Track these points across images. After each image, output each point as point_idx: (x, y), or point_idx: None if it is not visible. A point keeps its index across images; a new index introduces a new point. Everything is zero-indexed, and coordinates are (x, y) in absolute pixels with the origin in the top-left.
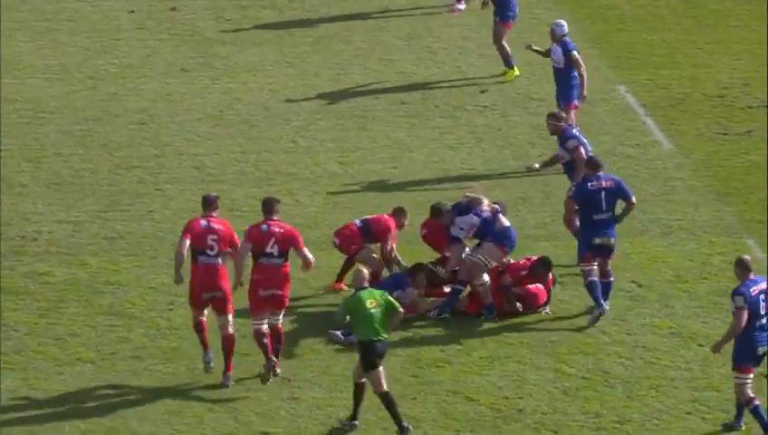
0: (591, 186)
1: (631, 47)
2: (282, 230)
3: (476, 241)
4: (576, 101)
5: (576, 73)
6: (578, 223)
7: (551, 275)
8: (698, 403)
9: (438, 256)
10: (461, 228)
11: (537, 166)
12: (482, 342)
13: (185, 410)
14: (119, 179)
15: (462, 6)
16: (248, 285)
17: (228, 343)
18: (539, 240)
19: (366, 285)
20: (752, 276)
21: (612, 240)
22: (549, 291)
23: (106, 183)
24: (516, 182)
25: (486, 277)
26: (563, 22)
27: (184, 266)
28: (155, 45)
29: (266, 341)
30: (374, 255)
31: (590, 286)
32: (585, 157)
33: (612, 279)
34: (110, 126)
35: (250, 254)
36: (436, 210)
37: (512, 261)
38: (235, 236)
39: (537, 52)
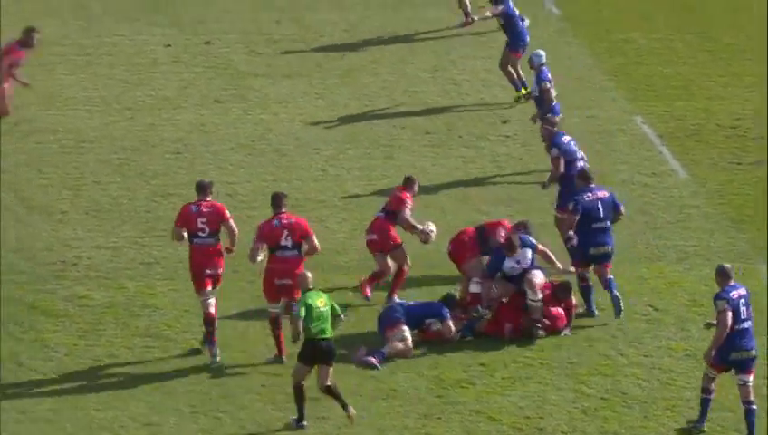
0: (588, 197)
1: (648, 80)
2: (292, 221)
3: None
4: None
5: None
6: (573, 240)
7: (572, 299)
8: (713, 423)
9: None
10: (517, 262)
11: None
12: (504, 363)
13: (218, 429)
14: (155, 206)
15: (479, 17)
16: (263, 274)
17: (210, 320)
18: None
19: (311, 287)
20: (731, 283)
21: (609, 248)
22: (569, 315)
23: (143, 210)
24: (537, 208)
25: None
26: (542, 52)
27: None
28: (190, 78)
29: (279, 331)
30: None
31: (585, 290)
32: (561, 169)
33: (614, 282)
34: (147, 155)
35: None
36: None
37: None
38: (225, 214)
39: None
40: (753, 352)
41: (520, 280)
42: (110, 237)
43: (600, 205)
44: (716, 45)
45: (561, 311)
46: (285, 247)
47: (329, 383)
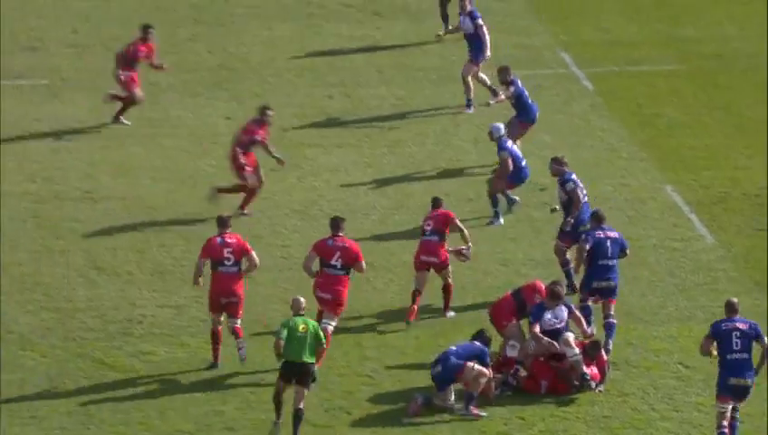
0: (599, 235)
1: (677, 151)
2: (346, 245)
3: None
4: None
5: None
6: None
7: (603, 355)
8: None
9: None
10: (555, 317)
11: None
12: (541, 417)
13: None
14: None
15: (494, 101)
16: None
17: (236, 333)
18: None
19: (302, 312)
20: (734, 316)
21: (613, 283)
22: (603, 371)
23: (204, 272)
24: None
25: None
26: (500, 125)
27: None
28: None
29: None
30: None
31: (585, 310)
32: (580, 198)
33: (614, 321)
34: (208, 221)
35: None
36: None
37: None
38: (248, 246)
39: None
40: (749, 382)
41: (554, 338)
42: (172, 297)
43: (608, 243)
44: (741, 119)
45: (594, 369)
46: (334, 266)
47: (300, 407)
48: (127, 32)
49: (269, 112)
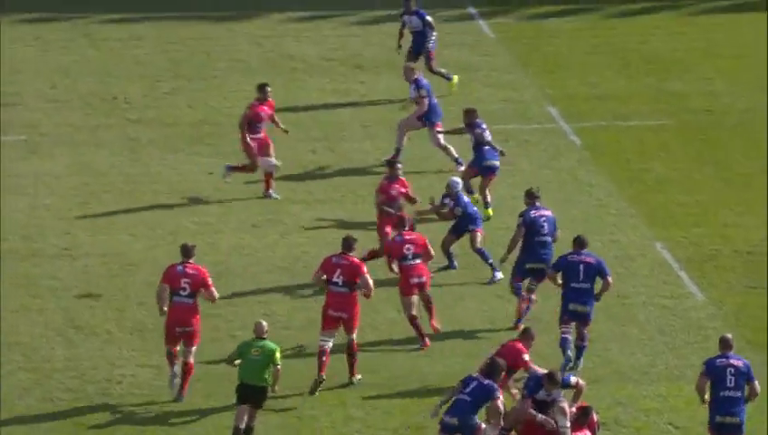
0: (571, 258)
1: (666, 207)
2: (348, 263)
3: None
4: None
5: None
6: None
7: (594, 418)
8: None
9: None
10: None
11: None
12: None
13: None
14: None
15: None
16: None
17: (187, 370)
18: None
19: (264, 336)
20: (728, 352)
21: (588, 308)
22: (594, 433)
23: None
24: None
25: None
26: (458, 180)
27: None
28: (230, 204)
29: (325, 359)
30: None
31: (563, 343)
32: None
33: (586, 344)
34: None
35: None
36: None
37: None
38: (208, 280)
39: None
40: (738, 420)
41: (546, 407)
42: (152, 356)
43: (581, 267)
44: (731, 175)
45: (587, 432)
46: (336, 284)
47: (251, 425)
48: (105, 87)
49: (268, 89)
